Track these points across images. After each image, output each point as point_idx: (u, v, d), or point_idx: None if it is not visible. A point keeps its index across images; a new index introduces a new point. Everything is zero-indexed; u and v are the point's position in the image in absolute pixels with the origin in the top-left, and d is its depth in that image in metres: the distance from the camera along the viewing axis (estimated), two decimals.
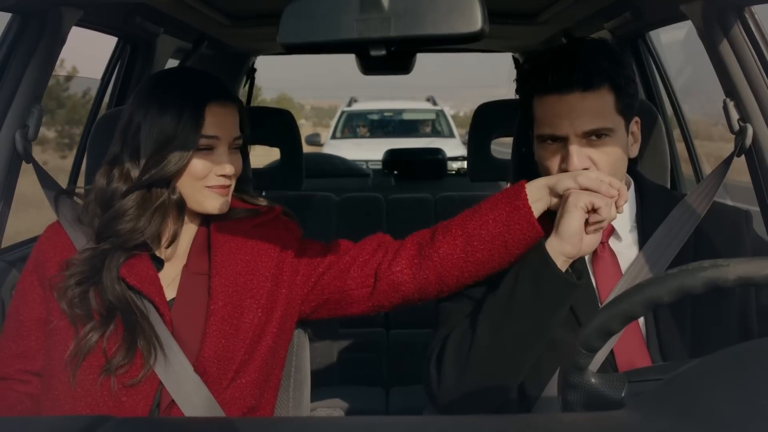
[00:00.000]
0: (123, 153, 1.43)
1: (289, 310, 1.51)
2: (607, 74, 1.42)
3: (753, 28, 1.54)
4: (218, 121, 1.44)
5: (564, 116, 1.41)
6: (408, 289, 1.47)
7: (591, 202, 1.36)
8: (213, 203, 1.45)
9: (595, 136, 1.42)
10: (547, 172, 1.47)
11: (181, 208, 1.46)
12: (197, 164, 1.43)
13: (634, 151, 1.52)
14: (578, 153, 1.42)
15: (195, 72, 1.57)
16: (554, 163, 1.45)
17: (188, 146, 1.41)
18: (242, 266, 1.47)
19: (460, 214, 1.48)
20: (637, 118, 1.51)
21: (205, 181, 1.44)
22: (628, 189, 1.53)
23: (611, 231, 1.50)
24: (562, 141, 1.43)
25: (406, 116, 10.27)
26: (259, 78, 4.03)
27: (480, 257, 1.42)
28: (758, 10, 1.55)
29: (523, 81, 1.52)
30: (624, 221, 1.52)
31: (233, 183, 1.48)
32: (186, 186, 1.44)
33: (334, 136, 9.65)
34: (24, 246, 1.87)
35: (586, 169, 1.42)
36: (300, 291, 1.51)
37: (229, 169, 1.45)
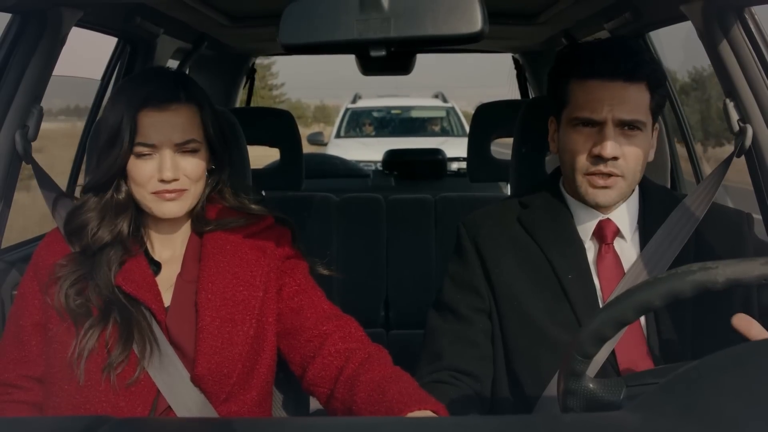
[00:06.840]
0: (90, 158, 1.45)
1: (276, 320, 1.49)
2: (649, 70, 1.45)
3: (753, 29, 1.54)
4: (155, 127, 1.39)
5: (605, 102, 1.43)
6: (319, 394, 1.43)
7: None
8: (161, 208, 1.42)
9: (629, 128, 1.44)
10: (572, 156, 1.47)
11: (141, 209, 1.45)
12: (137, 171, 1.40)
13: (652, 156, 1.52)
14: (612, 140, 1.43)
15: (144, 73, 1.53)
16: (584, 147, 1.45)
17: (124, 153, 1.38)
18: (231, 278, 1.44)
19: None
20: (657, 126, 1.52)
21: (149, 188, 1.41)
22: (634, 190, 1.53)
23: (617, 232, 1.50)
24: (597, 126, 1.45)
25: (414, 114, 9.69)
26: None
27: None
28: (758, 10, 1.55)
29: (564, 62, 1.52)
30: (628, 222, 1.51)
31: (190, 186, 1.42)
32: (135, 192, 1.43)
33: (338, 135, 9.15)
34: (24, 246, 1.87)
35: (615, 158, 1.43)
36: (277, 306, 1.49)
37: (168, 174, 1.39)
